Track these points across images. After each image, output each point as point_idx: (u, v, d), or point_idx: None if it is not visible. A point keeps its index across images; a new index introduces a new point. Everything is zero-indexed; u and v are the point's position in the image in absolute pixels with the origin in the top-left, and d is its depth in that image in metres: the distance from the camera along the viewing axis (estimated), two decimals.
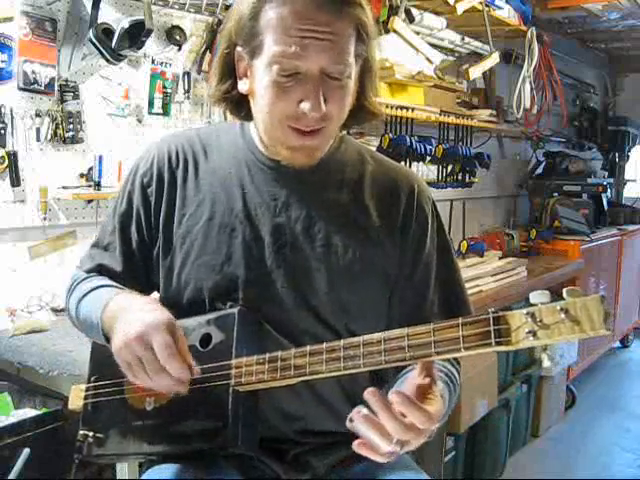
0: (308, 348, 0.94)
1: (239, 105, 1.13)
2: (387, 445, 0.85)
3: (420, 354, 0.85)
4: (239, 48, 1.06)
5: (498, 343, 0.79)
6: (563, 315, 0.75)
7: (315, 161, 1.11)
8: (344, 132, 1.22)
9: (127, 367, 0.97)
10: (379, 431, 0.84)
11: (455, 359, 1.11)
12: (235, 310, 1.04)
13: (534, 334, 0.77)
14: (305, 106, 0.99)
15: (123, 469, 1.51)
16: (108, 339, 1.05)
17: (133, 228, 1.16)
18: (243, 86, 1.08)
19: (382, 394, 0.86)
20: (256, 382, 0.97)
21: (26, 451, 1.50)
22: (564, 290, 0.76)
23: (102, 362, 1.17)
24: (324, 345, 0.93)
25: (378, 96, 1.15)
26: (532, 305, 0.78)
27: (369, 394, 0.85)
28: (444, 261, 1.18)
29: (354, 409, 0.86)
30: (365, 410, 0.85)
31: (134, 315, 0.98)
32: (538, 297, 0.78)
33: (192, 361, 0.96)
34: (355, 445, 0.86)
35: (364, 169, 1.17)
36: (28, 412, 1.66)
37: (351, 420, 0.86)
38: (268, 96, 1.01)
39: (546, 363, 0.81)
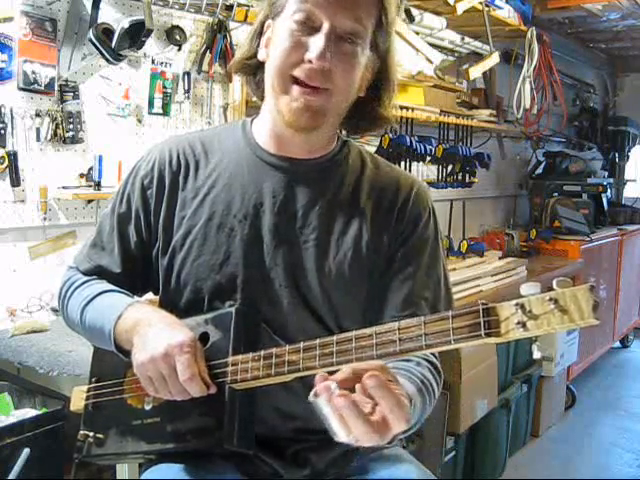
0: (302, 344, 0.94)
1: (255, 75, 1.16)
2: (345, 436, 0.82)
3: (411, 347, 0.85)
4: (269, 20, 1.10)
5: (488, 335, 0.79)
6: (552, 305, 0.75)
7: (318, 126, 1.09)
8: (347, 137, 1.23)
9: (148, 382, 1.00)
10: (342, 421, 0.81)
11: (437, 370, 1.10)
12: (232, 309, 1.04)
13: (523, 325, 0.77)
14: (311, 53, 1.02)
15: (123, 469, 1.51)
16: (120, 349, 1.07)
17: (132, 229, 1.16)
18: (262, 54, 1.11)
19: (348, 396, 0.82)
20: (251, 379, 0.97)
21: (26, 451, 1.50)
22: (554, 281, 0.76)
23: (103, 364, 1.18)
24: (317, 341, 0.93)
25: (393, 105, 1.18)
26: (523, 297, 0.78)
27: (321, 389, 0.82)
28: (433, 262, 1.17)
29: (322, 383, 0.83)
30: (335, 388, 0.82)
31: (158, 333, 1.00)
32: (529, 289, 0.78)
33: (209, 380, 0.99)
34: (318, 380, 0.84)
35: (364, 172, 1.18)
36: (28, 412, 1.66)
37: (315, 395, 0.82)
38: (281, 46, 1.04)
39: (536, 354, 0.81)
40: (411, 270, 1.14)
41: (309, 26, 1.03)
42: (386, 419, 0.81)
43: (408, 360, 1.05)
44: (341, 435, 0.82)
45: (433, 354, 1.11)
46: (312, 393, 0.83)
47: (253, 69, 1.15)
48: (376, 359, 0.87)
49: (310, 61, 1.02)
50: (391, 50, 1.13)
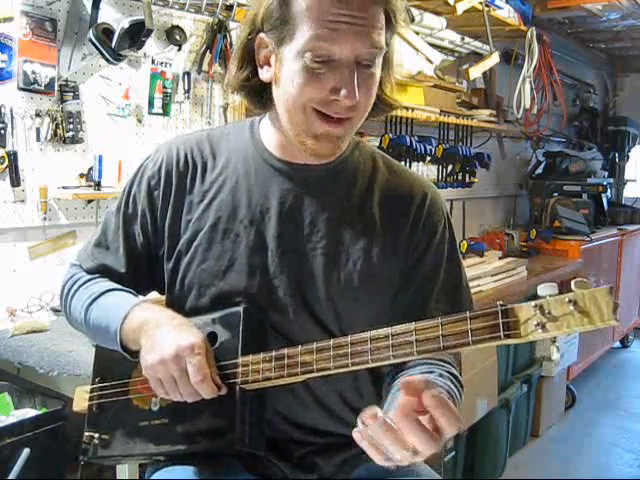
0: (315, 345, 0.93)
1: (258, 93, 1.10)
2: (400, 451, 0.80)
3: (428, 348, 0.84)
4: (263, 35, 1.03)
5: (507, 336, 0.79)
6: (572, 307, 0.75)
7: (340, 151, 1.09)
8: (358, 138, 1.19)
9: (158, 384, 0.99)
10: (396, 437, 0.79)
11: (459, 382, 1.08)
12: (240, 308, 1.03)
13: (543, 326, 0.77)
14: (342, 93, 0.97)
15: (123, 469, 1.51)
16: (125, 349, 1.06)
17: (138, 229, 1.15)
18: (266, 74, 1.05)
19: (400, 405, 0.81)
20: (263, 380, 0.97)
21: (26, 451, 1.50)
22: (572, 282, 0.75)
23: (106, 364, 1.17)
24: (331, 342, 0.92)
25: (393, 88, 1.14)
26: (540, 297, 0.78)
27: (397, 413, 0.80)
28: (451, 274, 1.15)
29: (366, 411, 0.81)
30: (381, 413, 0.80)
31: (167, 334, 0.99)
32: (546, 289, 0.78)
33: (220, 381, 0.98)
34: (356, 434, 0.81)
35: (375, 176, 1.15)
36: (28, 412, 1.66)
37: (364, 423, 0.80)
38: (298, 82, 0.98)
39: (555, 355, 0.81)
40: (428, 286, 1.13)
41: (327, 59, 0.97)
42: (438, 427, 0.80)
43: (431, 372, 1.04)
44: (396, 452, 0.80)
45: (454, 367, 1.10)
46: (359, 422, 0.81)
47: (256, 89, 1.10)
48: (392, 360, 0.87)
49: (337, 99, 0.98)
50: (393, 37, 1.08)
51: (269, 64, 1.04)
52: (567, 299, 0.75)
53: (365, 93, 1.00)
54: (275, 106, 1.07)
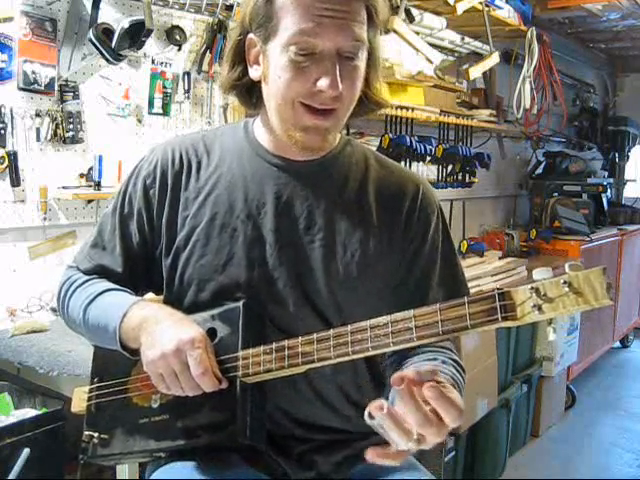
0: (315, 335, 0.94)
1: (249, 93, 1.13)
2: (406, 442, 0.82)
3: (427, 334, 0.86)
4: (251, 35, 1.07)
5: (504, 318, 0.81)
6: (567, 288, 0.77)
7: (329, 144, 1.12)
8: (349, 135, 1.21)
9: (159, 379, 1.00)
10: (401, 427, 0.82)
11: (462, 368, 1.10)
12: (240, 303, 1.04)
13: (539, 308, 0.78)
14: (323, 83, 1.00)
15: (123, 469, 1.51)
16: (125, 347, 1.07)
17: (134, 229, 1.16)
18: (255, 73, 1.09)
19: (409, 382, 0.83)
20: (264, 372, 0.98)
21: (26, 451, 1.50)
22: (566, 264, 0.77)
23: (105, 363, 1.18)
24: (331, 331, 0.93)
25: (382, 85, 1.16)
26: (536, 281, 0.79)
27: (397, 380, 0.82)
28: (447, 264, 1.18)
29: (373, 403, 0.83)
30: (387, 404, 0.82)
31: (167, 329, 1.00)
32: (541, 273, 0.80)
33: (220, 374, 0.99)
34: (369, 454, 0.84)
35: (369, 171, 1.17)
36: (28, 412, 1.66)
37: (371, 416, 0.82)
38: (284, 76, 1.01)
39: (552, 336, 0.83)
40: (427, 280, 1.15)
41: (310, 52, 1.00)
42: (441, 417, 0.82)
43: (434, 359, 1.06)
44: (402, 443, 0.82)
45: (455, 352, 1.12)
46: (367, 415, 0.83)
47: (247, 88, 1.13)
48: (392, 347, 0.88)
49: (321, 90, 1.00)
50: (377, 33, 1.11)
51: (258, 63, 1.08)
52: (562, 281, 0.77)
53: (349, 85, 1.03)
54: (265, 104, 1.10)
